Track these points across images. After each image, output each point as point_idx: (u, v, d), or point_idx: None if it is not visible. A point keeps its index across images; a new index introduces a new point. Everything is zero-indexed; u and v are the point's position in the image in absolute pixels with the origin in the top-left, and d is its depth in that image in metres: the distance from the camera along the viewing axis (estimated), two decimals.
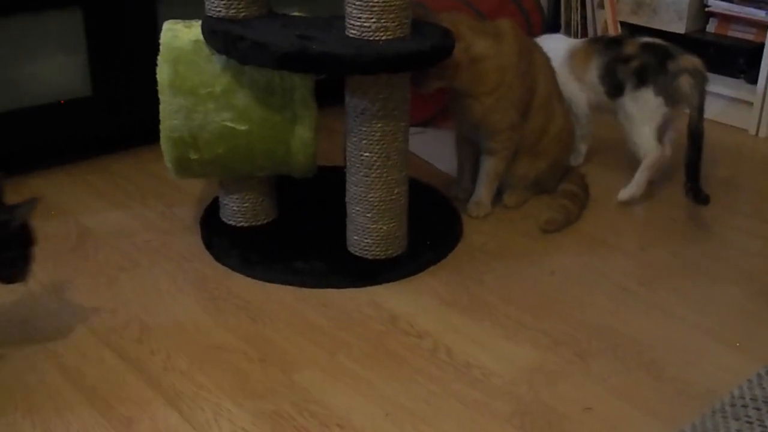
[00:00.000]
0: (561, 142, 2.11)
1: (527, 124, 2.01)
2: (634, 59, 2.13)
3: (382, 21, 1.59)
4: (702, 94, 2.08)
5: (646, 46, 2.15)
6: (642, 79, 2.11)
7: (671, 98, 2.11)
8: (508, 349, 1.58)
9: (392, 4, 1.58)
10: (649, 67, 2.11)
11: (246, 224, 1.91)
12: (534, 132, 2.03)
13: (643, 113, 2.13)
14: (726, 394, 1.43)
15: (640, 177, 2.14)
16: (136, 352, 1.54)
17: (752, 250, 1.95)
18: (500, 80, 1.92)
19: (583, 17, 2.96)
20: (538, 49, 2.06)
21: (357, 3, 1.59)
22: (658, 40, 2.19)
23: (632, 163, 2.35)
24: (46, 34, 2.10)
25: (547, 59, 2.07)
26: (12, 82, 2.08)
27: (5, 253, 1.43)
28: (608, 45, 2.19)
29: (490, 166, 2.03)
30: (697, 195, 2.05)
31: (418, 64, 1.67)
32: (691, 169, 2.05)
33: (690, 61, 2.12)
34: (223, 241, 1.87)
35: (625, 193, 2.13)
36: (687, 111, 2.10)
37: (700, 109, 2.07)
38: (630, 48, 2.15)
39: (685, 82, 2.08)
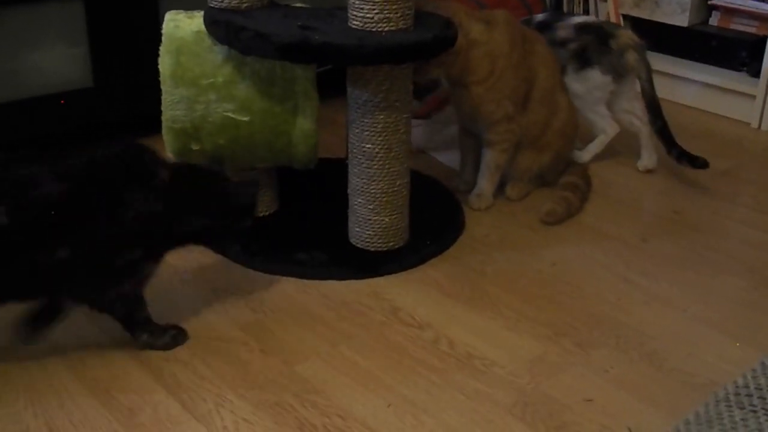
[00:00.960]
0: (565, 135, 2.11)
1: (528, 116, 2.01)
2: (571, 42, 2.16)
3: (385, 12, 1.59)
4: (648, 64, 2.18)
5: (580, 28, 2.17)
6: (586, 61, 2.15)
7: (618, 74, 2.18)
8: (509, 340, 1.58)
9: None
10: (590, 48, 2.15)
11: None
12: (537, 124, 2.03)
13: (593, 93, 2.19)
14: (728, 384, 1.44)
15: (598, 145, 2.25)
16: (150, 354, 1.53)
17: (754, 242, 1.95)
18: (491, 69, 1.92)
19: (586, 11, 2.95)
20: (540, 41, 2.06)
21: None
22: (589, 19, 2.22)
23: (636, 156, 2.36)
24: (47, 25, 2.10)
25: (549, 51, 2.07)
26: (14, 73, 2.08)
27: (230, 224, 1.56)
28: (539, 29, 2.18)
29: (490, 158, 2.03)
30: (693, 160, 2.14)
31: (421, 55, 1.67)
32: (665, 136, 2.16)
33: (629, 35, 2.18)
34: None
35: (584, 156, 2.24)
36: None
37: (650, 79, 2.17)
38: (563, 31, 2.17)
39: (631, 57, 2.16)
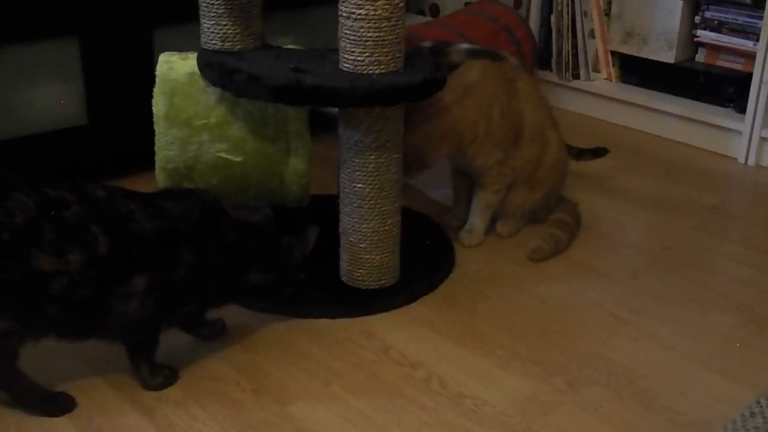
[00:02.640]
0: (556, 172, 2.13)
1: (520, 154, 2.03)
2: None
3: (375, 55, 1.62)
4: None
5: (472, 53, 2.19)
6: None
7: None
8: (500, 379, 1.59)
9: (385, 39, 1.61)
10: None
11: None
12: (530, 162, 2.06)
13: None
14: (718, 423, 1.45)
15: None
16: (130, 382, 1.54)
17: (743, 278, 1.96)
18: (476, 132, 1.95)
19: (575, 46, 2.99)
20: (522, 78, 2.08)
21: (351, 37, 1.62)
22: (480, 47, 2.24)
23: (628, 191, 2.39)
24: (43, 63, 2.12)
25: (533, 86, 2.09)
26: (9, 111, 2.10)
27: (286, 279, 1.65)
28: (432, 53, 2.19)
29: (481, 199, 2.05)
30: (594, 150, 2.30)
31: (411, 97, 1.69)
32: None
33: (516, 63, 2.24)
34: None
35: None
36: None
37: None
38: (456, 56, 2.19)
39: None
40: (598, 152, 2.35)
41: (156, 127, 1.74)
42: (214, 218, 1.52)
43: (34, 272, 1.33)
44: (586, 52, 3.00)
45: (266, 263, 1.60)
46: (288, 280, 1.65)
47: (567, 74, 3.01)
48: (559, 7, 2.98)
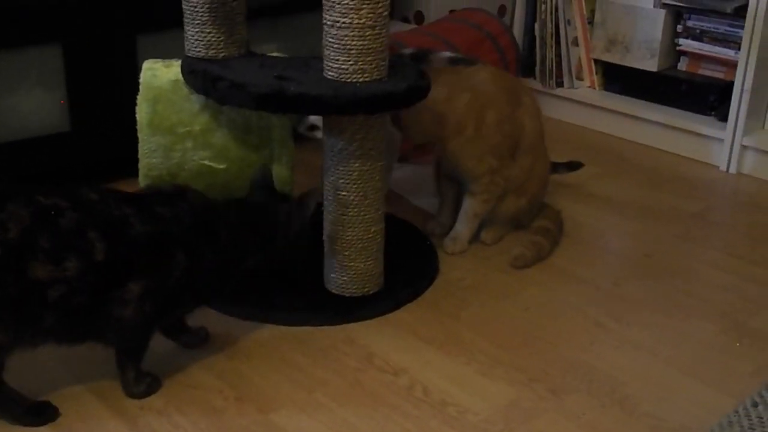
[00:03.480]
0: (541, 180, 2.14)
1: (516, 164, 2.04)
2: None
3: (360, 63, 1.62)
4: None
5: (452, 60, 2.19)
6: None
7: None
8: (483, 386, 1.59)
9: (369, 47, 1.61)
10: None
11: None
12: (523, 172, 2.07)
13: None
14: (699, 430, 1.46)
15: None
16: (112, 391, 1.53)
17: (724, 285, 1.98)
18: (463, 125, 1.95)
19: (558, 55, 3.01)
20: (527, 93, 2.10)
21: (335, 46, 1.62)
22: (460, 55, 2.25)
23: (610, 198, 2.40)
24: (26, 69, 2.11)
25: (534, 101, 2.11)
26: None
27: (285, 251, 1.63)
28: (414, 59, 2.18)
29: (470, 207, 2.06)
30: (569, 164, 2.34)
31: (395, 105, 1.70)
32: None
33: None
34: None
35: None
36: None
37: None
38: (437, 64, 2.19)
39: None
40: (573, 166, 2.37)
41: (139, 135, 1.74)
42: (205, 219, 1.51)
43: (31, 283, 1.32)
44: (569, 60, 3.02)
45: (263, 244, 1.59)
46: (287, 252, 1.63)
47: (551, 82, 3.03)
48: (543, 16, 3.00)
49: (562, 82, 3.03)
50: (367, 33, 1.61)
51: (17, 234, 1.31)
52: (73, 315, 1.39)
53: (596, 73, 3.01)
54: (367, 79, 1.64)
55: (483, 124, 1.97)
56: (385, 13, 1.63)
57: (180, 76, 1.75)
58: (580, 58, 3.02)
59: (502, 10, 3.22)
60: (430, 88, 1.77)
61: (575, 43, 3.01)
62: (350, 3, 1.58)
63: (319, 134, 1.99)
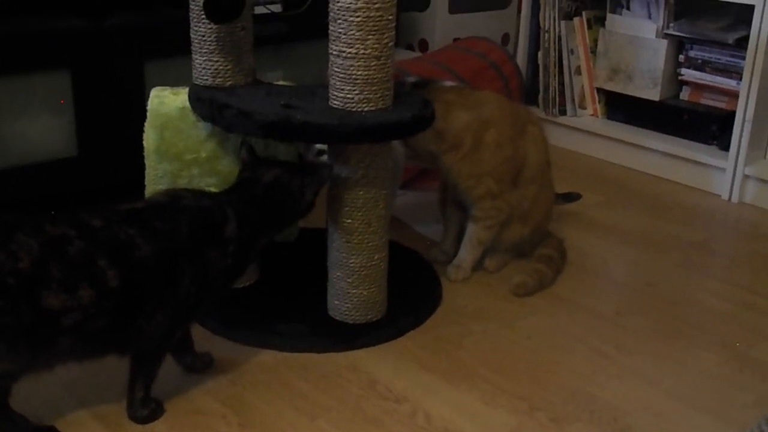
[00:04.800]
0: (546, 209, 2.16)
1: (520, 192, 2.06)
2: None
3: (365, 93, 1.64)
4: None
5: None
6: None
7: None
8: (485, 414, 1.60)
9: (374, 77, 1.63)
10: None
11: None
12: (527, 200, 2.09)
13: None
14: None
15: None
16: (116, 416, 1.54)
17: (725, 315, 1.99)
18: (458, 142, 1.97)
19: (561, 83, 3.04)
20: (534, 123, 2.13)
21: (340, 75, 1.64)
22: (463, 84, 2.29)
23: (613, 227, 2.41)
24: (34, 95, 2.14)
25: (541, 131, 2.13)
26: (0, 142, 2.11)
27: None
28: (416, 87, 2.19)
29: (473, 233, 2.07)
30: (567, 195, 2.35)
31: (399, 134, 1.72)
32: None
33: None
34: None
35: None
36: None
37: None
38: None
39: None
40: (571, 197, 2.40)
41: (146, 161, 1.76)
42: (203, 220, 1.51)
43: (44, 312, 1.33)
44: (572, 89, 3.05)
45: (276, 224, 1.63)
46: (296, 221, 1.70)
47: (554, 110, 3.05)
48: (546, 44, 3.03)
49: (565, 110, 3.06)
50: (373, 63, 1.63)
51: (29, 265, 1.32)
52: (90, 337, 1.40)
53: (599, 102, 3.04)
54: (372, 109, 1.66)
55: (481, 144, 1.99)
56: (391, 43, 1.66)
57: (187, 104, 1.77)
58: (583, 86, 3.05)
59: (505, 38, 3.25)
60: (435, 117, 1.80)
61: (578, 71, 3.04)
62: (356, 34, 1.61)
63: (326, 159, 2.00)
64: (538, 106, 3.09)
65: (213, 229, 1.52)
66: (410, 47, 3.14)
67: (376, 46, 1.62)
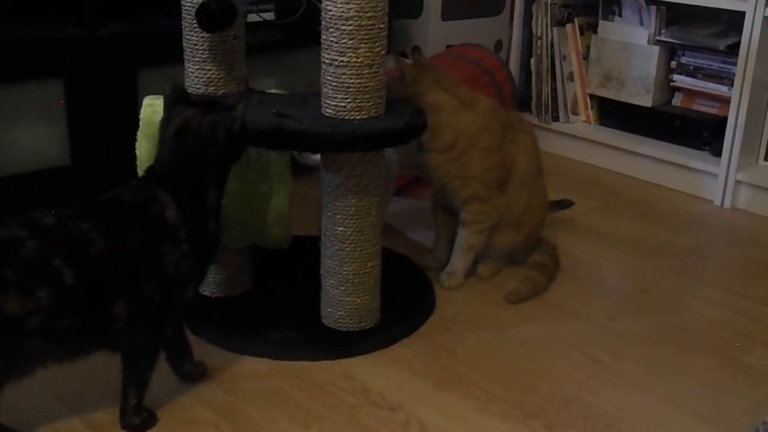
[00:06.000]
0: (538, 216, 2.16)
1: (508, 198, 2.06)
2: None
3: (357, 101, 1.64)
4: None
5: None
6: None
7: None
8: (479, 422, 1.60)
9: (367, 85, 1.64)
10: None
11: (221, 295, 1.92)
12: (518, 207, 2.09)
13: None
14: None
15: None
16: (108, 426, 1.54)
17: (719, 321, 1.99)
18: (452, 143, 1.98)
19: (554, 90, 3.04)
20: (527, 131, 2.13)
21: (333, 84, 1.65)
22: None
23: (606, 233, 2.42)
24: (27, 103, 2.14)
25: (533, 139, 2.14)
26: None
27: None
28: None
29: (463, 238, 2.07)
30: (560, 202, 2.38)
31: (392, 142, 1.72)
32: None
33: None
34: (198, 311, 1.88)
35: None
36: None
37: None
38: None
39: None
40: (564, 204, 2.41)
41: (139, 170, 1.75)
42: (147, 221, 1.45)
43: (6, 318, 1.31)
44: (565, 95, 3.05)
45: (206, 174, 1.50)
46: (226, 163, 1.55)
47: (547, 116, 3.06)
48: (539, 51, 3.04)
49: (558, 117, 3.07)
50: (365, 71, 1.64)
51: None
52: (61, 338, 1.38)
53: (591, 108, 3.05)
54: (364, 117, 1.66)
55: (472, 148, 1.99)
56: (383, 52, 1.66)
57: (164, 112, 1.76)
58: (575, 93, 3.06)
59: (498, 45, 3.26)
60: (427, 125, 1.80)
61: (571, 78, 3.05)
62: (348, 42, 1.61)
63: (316, 157, 2.01)
64: (531, 113, 3.10)
65: (156, 224, 1.46)
66: (403, 54, 3.14)
67: (368, 54, 1.63)
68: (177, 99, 1.53)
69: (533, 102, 3.09)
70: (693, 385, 1.74)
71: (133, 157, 1.78)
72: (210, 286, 1.92)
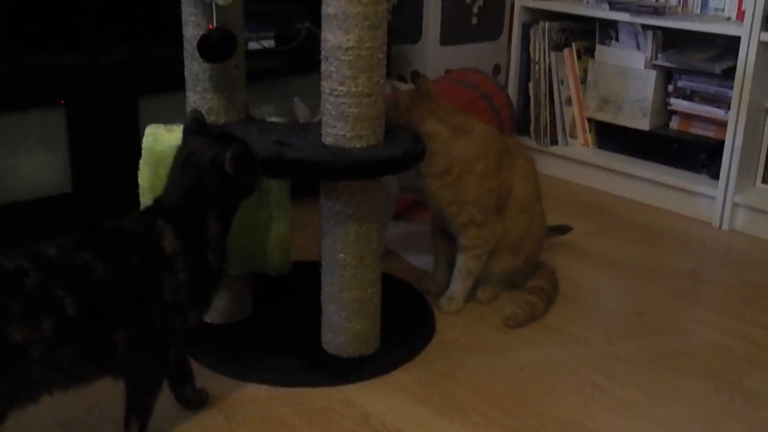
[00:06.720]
0: (537, 241, 2.18)
1: (507, 223, 2.08)
2: None
3: (357, 130, 1.67)
4: None
5: None
6: None
7: None
8: None
9: (366, 114, 1.66)
10: None
11: (222, 321, 1.94)
12: (516, 231, 2.11)
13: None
14: None
15: None
16: None
17: (716, 345, 2.00)
18: (447, 169, 2.00)
19: (552, 113, 3.07)
20: (525, 156, 2.15)
21: (332, 113, 1.67)
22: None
23: (604, 256, 2.43)
24: (29, 132, 2.16)
25: (531, 164, 2.16)
26: None
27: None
28: None
29: (462, 263, 2.09)
30: (558, 228, 2.41)
31: (391, 170, 1.74)
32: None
33: None
34: (198, 338, 1.89)
35: None
36: None
37: None
38: None
39: None
40: (562, 229, 2.44)
41: (141, 199, 1.78)
42: (154, 247, 1.47)
43: (10, 348, 1.33)
44: (563, 119, 3.08)
45: (210, 205, 1.52)
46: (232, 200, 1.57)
47: (545, 140, 3.09)
48: (537, 75, 3.07)
49: (557, 140, 3.09)
50: (364, 101, 1.66)
51: None
52: (64, 366, 1.39)
53: (589, 132, 3.08)
54: (363, 145, 1.68)
55: (468, 173, 2.01)
56: (382, 81, 1.68)
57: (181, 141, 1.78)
58: (573, 116, 3.08)
59: (496, 69, 3.29)
60: (426, 153, 1.82)
61: (569, 102, 3.08)
62: (347, 72, 1.63)
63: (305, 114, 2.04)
64: (529, 136, 3.12)
65: (152, 253, 1.47)
66: (402, 79, 3.17)
67: (367, 83, 1.65)
68: (194, 129, 1.56)
69: (532, 126, 3.12)
70: (691, 409, 1.75)
71: (135, 184, 1.80)
72: (211, 313, 1.93)
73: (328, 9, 1.63)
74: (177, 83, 1.85)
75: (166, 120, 1.89)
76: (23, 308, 1.33)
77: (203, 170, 1.50)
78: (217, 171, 1.50)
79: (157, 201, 1.56)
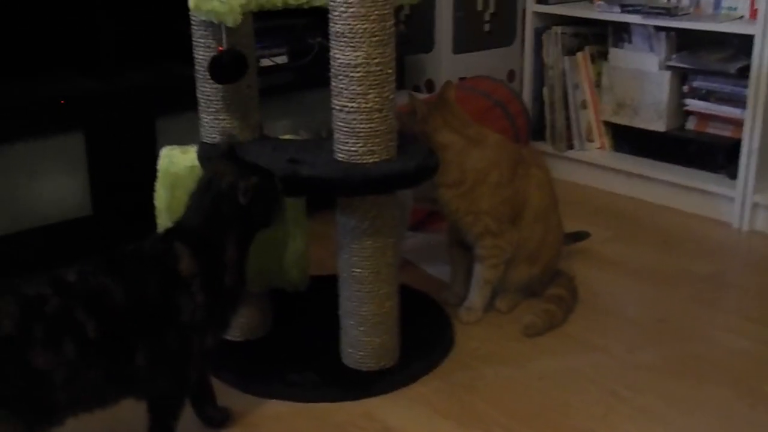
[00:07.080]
0: (554, 249, 2.18)
1: (523, 233, 2.08)
2: None
3: (369, 145, 1.68)
4: None
5: None
6: None
7: None
8: None
9: (377, 129, 1.67)
10: None
11: (242, 339, 1.95)
12: (533, 241, 2.11)
13: None
14: None
15: None
16: None
17: (738, 350, 1.99)
18: (460, 179, 2.01)
19: (567, 118, 3.06)
20: (540, 165, 2.15)
21: (344, 129, 1.68)
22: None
23: (623, 262, 2.42)
24: (50, 156, 2.19)
25: (546, 173, 2.16)
26: (17, 204, 2.16)
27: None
28: None
29: (479, 273, 2.09)
30: (575, 234, 2.39)
31: (404, 185, 1.75)
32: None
33: None
34: (219, 356, 1.91)
35: None
36: None
37: None
38: None
39: None
40: (579, 236, 2.43)
41: (158, 220, 1.80)
42: (171, 269, 1.50)
43: (35, 373, 1.36)
44: (579, 123, 3.07)
45: (229, 232, 1.55)
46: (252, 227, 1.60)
47: (561, 145, 3.08)
48: (551, 81, 3.06)
49: (573, 145, 3.08)
50: (375, 116, 1.67)
51: (12, 328, 1.34)
52: (89, 388, 1.42)
53: (606, 135, 3.07)
54: (376, 160, 1.70)
55: (482, 183, 2.02)
56: (392, 96, 1.69)
57: (196, 162, 1.81)
58: (589, 120, 3.07)
59: (511, 75, 3.29)
60: (439, 166, 1.83)
61: (584, 106, 3.07)
62: (357, 89, 1.65)
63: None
64: (546, 142, 3.11)
65: (168, 275, 1.50)
66: (417, 88, 3.18)
67: (377, 99, 1.66)
68: (224, 154, 1.59)
69: (548, 131, 3.11)
70: (712, 417, 1.74)
71: (153, 206, 1.82)
72: (231, 330, 1.95)
73: (335, 27, 1.64)
74: (193, 103, 1.87)
75: (184, 140, 1.91)
76: (46, 334, 1.36)
77: (220, 196, 1.53)
78: (233, 199, 1.52)
79: (178, 223, 1.59)
